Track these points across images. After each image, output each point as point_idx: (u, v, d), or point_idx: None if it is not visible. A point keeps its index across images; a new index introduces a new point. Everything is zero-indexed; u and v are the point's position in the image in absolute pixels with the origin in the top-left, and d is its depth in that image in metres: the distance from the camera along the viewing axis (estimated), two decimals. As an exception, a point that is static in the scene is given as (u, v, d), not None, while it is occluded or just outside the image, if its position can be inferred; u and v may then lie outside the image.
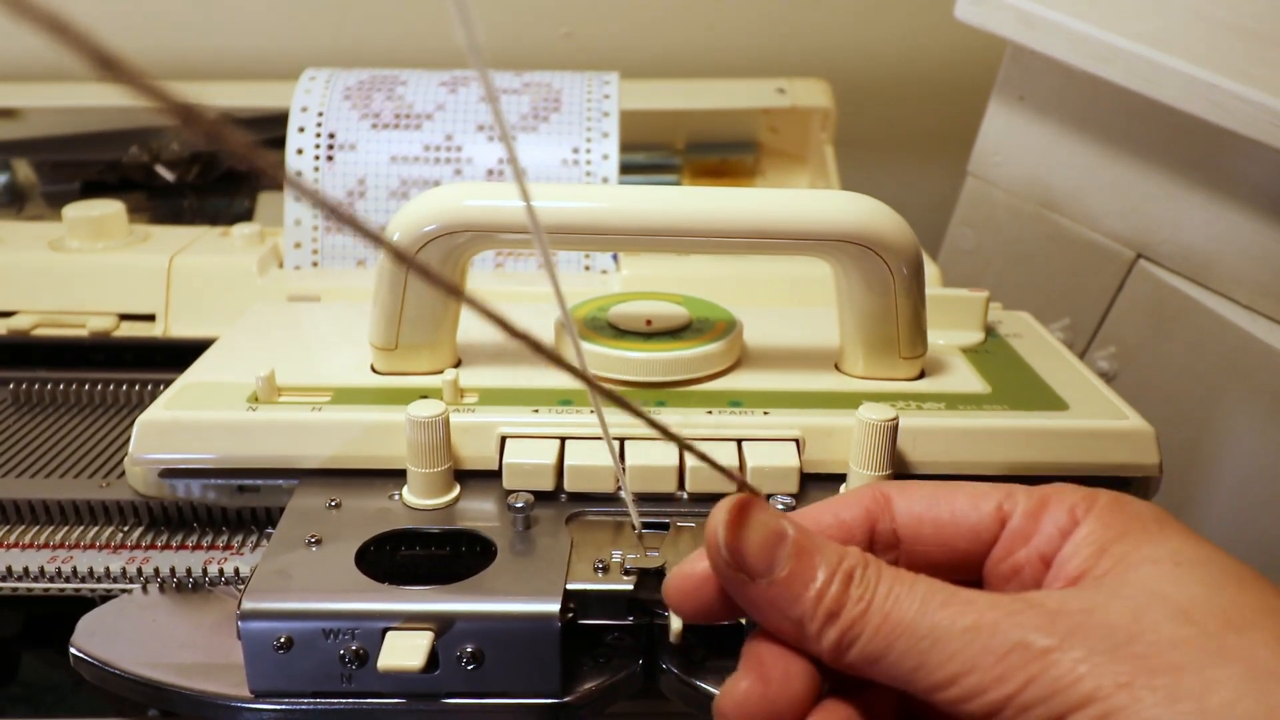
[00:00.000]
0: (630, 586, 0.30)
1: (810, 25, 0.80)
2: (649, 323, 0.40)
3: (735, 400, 0.37)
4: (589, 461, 0.34)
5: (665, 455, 0.34)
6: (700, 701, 0.31)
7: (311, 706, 0.30)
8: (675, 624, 0.30)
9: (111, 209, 0.53)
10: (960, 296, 0.44)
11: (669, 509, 0.34)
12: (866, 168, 0.76)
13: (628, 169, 0.53)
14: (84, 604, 0.34)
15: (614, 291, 0.45)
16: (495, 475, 0.35)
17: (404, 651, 0.28)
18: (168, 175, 0.68)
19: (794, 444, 0.35)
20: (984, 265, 0.64)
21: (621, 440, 0.35)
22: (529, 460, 0.34)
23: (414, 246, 0.36)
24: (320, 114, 0.53)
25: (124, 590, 0.35)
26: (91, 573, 0.35)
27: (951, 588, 0.21)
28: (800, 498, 0.35)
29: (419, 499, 0.34)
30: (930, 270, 0.49)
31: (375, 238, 0.16)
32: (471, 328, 0.41)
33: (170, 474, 0.36)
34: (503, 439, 0.35)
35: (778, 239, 0.36)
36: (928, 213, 0.56)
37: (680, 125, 0.73)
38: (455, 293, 0.18)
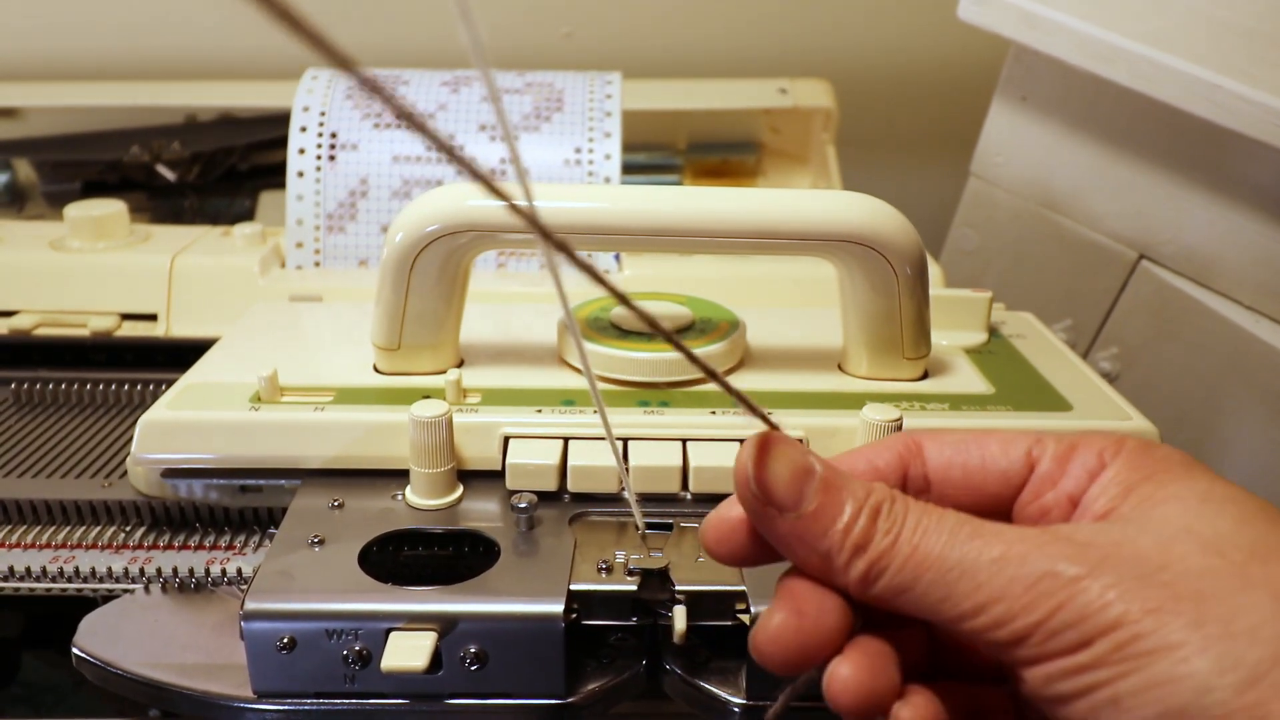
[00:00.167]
0: (634, 587, 0.30)
1: (812, 25, 0.79)
2: (652, 323, 0.40)
3: (738, 400, 0.37)
4: (592, 462, 0.34)
5: (669, 455, 0.34)
6: (703, 702, 0.31)
7: (314, 707, 0.30)
8: (679, 625, 0.30)
9: (113, 209, 0.53)
10: (963, 297, 0.44)
11: (672, 509, 0.34)
12: (868, 168, 0.76)
13: (628, 169, 0.53)
14: (86, 604, 0.34)
15: (616, 292, 0.45)
16: (498, 475, 0.35)
17: (407, 652, 0.28)
18: (169, 175, 0.68)
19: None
20: (986, 266, 0.64)
21: (625, 440, 0.35)
22: (532, 460, 0.34)
23: (417, 246, 0.36)
24: (322, 113, 0.53)
25: (126, 590, 0.35)
26: (94, 573, 0.35)
27: (979, 521, 0.22)
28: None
29: (422, 499, 0.34)
30: (932, 271, 0.49)
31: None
32: (474, 328, 0.41)
33: (172, 474, 0.36)
34: (506, 439, 0.35)
35: (782, 239, 0.36)
36: (929, 213, 0.56)
37: (681, 125, 0.73)
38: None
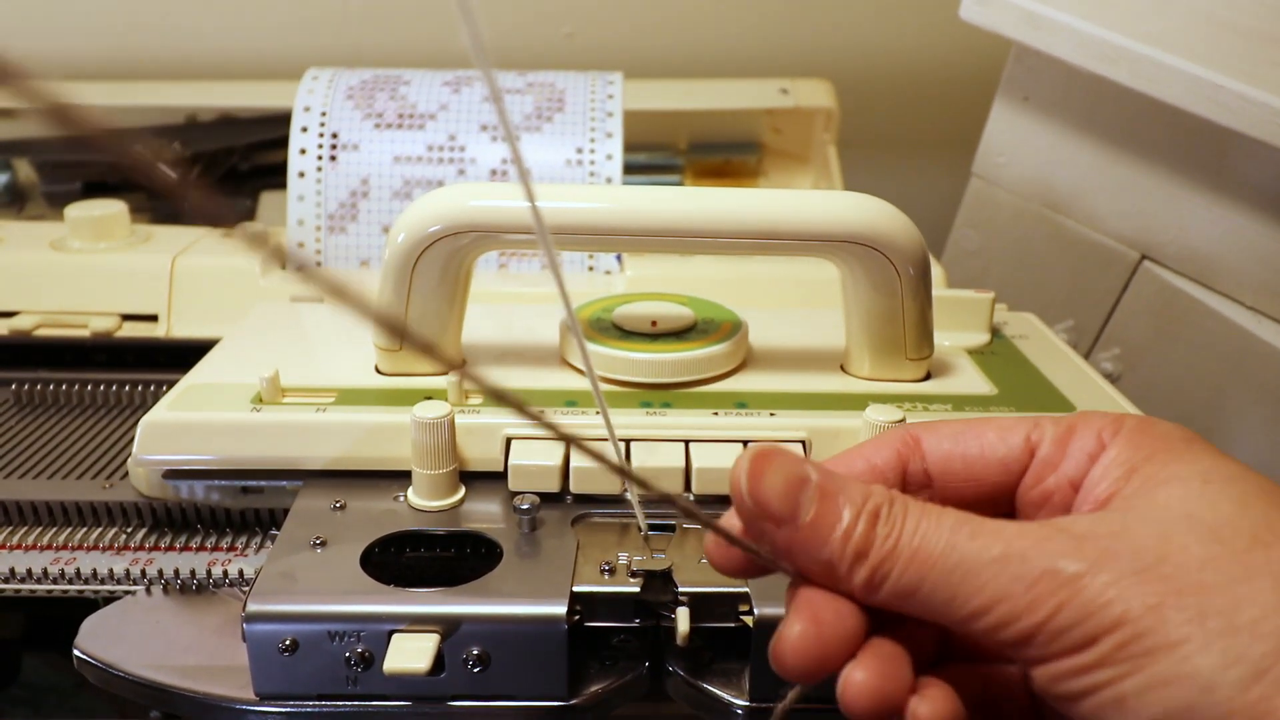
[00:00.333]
0: (637, 589, 0.30)
1: (813, 25, 0.79)
2: (654, 324, 0.40)
3: (741, 401, 0.37)
4: (595, 463, 0.34)
5: (671, 457, 0.34)
6: (706, 704, 0.31)
7: (316, 709, 0.30)
8: (682, 626, 0.30)
9: (114, 209, 0.53)
10: (966, 298, 0.44)
11: (675, 510, 0.34)
12: (870, 168, 0.76)
13: (629, 169, 0.53)
14: (87, 606, 0.34)
15: (618, 292, 0.45)
16: (501, 477, 0.35)
17: (410, 654, 0.28)
18: (169, 175, 0.67)
19: (800, 445, 0.35)
20: (987, 266, 0.63)
21: (627, 442, 0.35)
22: (534, 462, 0.34)
23: (419, 247, 0.36)
24: (323, 114, 0.53)
25: (127, 592, 0.34)
26: (95, 574, 0.35)
27: (979, 519, 0.21)
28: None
29: (424, 500, 0.34)
30: (934, 271, 0.49)
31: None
32: (476, 329, 0.41)
33: (174, 475, 0.36)
34: (508, 440, 0.35)
35: (784, 240, 0.36)
36: (931, 214, 0.56)
37: (682, 125, 0.72)
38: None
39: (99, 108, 0.70)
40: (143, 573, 0.35)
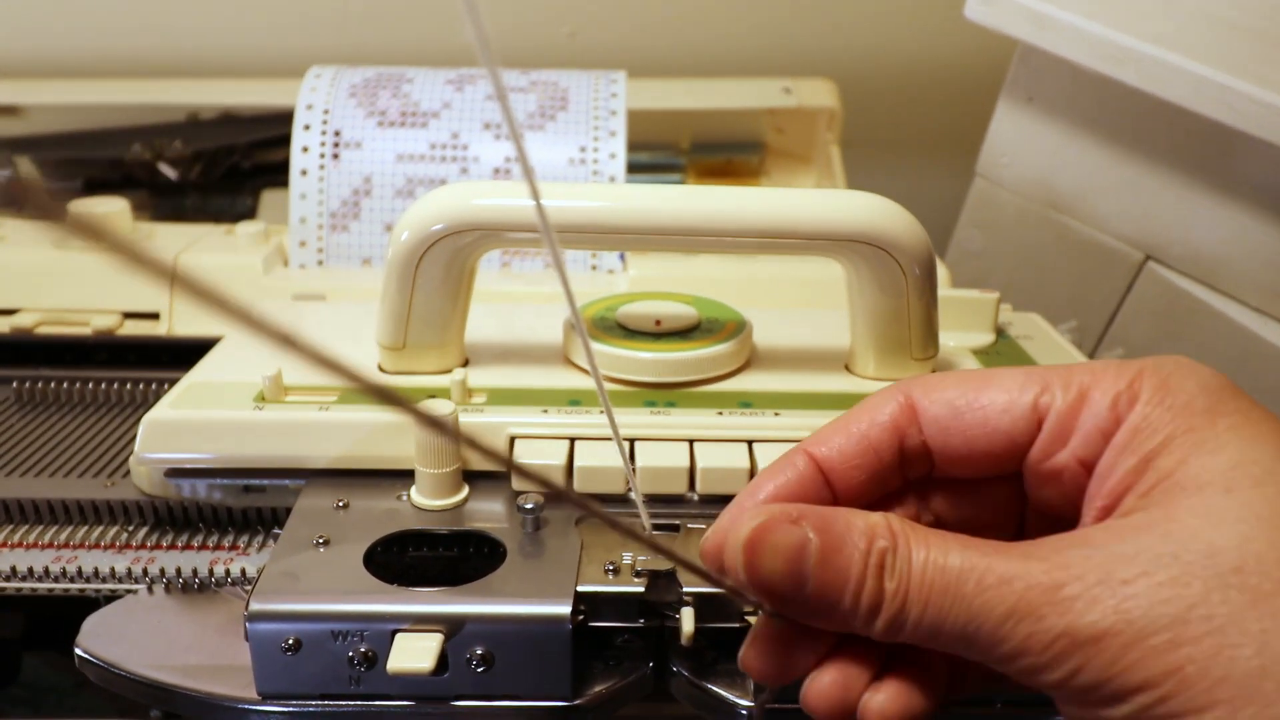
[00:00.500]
0: (641, 588, 0.30)
1: (817, 25, 0.79)
2: (658, 323, 0.40)
3: (746, 401, 0.37)
4: (599, 462, 0.34)
5: (676, 456, 0.34)
6: (711, 705, 0.31)
7: (319, 709, 0.30)
8: (686, 626, 0.30)
9: (115, 207, 0.53)
10: (971, 298, 0.44)
11: (680, 510, 0.34)
12: (873, 168, 0.76)
13: (631, 168, 0.53)
14: (88, 604, 0.34)
15: (621, 291, 0.45)
16: (504, 476, 0.35)
17: (413, 653, 0.28)
18: (170, 173, 0.67)
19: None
20: (991, 267, 0.63)
21: (631, 441, 0.35)
22: (539, 461, 0.34)
23: (422, 245, 0.36)
24: (326, 112, 0.53)
25: (129, 591, 0.34)
26: (96, 573, 0.35)
27: (985, 564, 0.21)
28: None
29: (427, 499, 0.34)
30: (938, 272, 0.49)
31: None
32: (479, 328, 0.41)
33: (176, 473, 0.36)
34: (512, 439, 0.35)
35: (789, 239, 0.36)
36: (935, 214, 0.56)
37: (685, 125, 0.72)
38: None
39: (101, 106, 0.70)
40: (144, 571, 0.35)
